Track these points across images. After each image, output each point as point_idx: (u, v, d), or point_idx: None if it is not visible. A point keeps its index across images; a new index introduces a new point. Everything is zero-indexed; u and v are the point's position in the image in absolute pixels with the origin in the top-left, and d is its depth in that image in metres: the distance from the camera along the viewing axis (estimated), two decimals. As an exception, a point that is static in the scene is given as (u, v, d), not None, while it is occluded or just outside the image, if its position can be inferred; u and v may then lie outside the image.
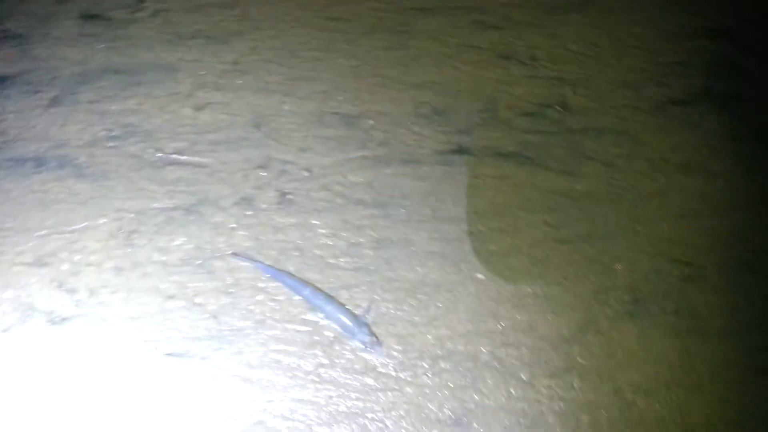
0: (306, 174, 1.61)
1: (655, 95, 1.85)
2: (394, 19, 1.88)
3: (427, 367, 1.40)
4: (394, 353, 1.40)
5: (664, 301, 1.53)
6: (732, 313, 1.53)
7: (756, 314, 1.53)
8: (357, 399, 1.34)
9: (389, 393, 1.36)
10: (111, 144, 1.58)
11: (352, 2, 1.91)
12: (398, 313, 1.46)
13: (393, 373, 1.38)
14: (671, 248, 1.60)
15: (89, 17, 1.79)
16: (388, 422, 1.32)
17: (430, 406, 1.36)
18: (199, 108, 1.68)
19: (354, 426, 1.32)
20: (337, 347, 1.39)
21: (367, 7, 1.90)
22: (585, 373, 1.43)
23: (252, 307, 1.42)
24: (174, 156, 1.60)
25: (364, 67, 1.80)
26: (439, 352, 1.42)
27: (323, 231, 1.54)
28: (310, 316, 1.42)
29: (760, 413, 1.42)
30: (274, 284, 1.44)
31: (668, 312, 1.52)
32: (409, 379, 1.38)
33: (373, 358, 1.37)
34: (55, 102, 1.63)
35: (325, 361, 1.37)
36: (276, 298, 1.44)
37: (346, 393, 1.35)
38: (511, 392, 1.40)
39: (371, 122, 1.71)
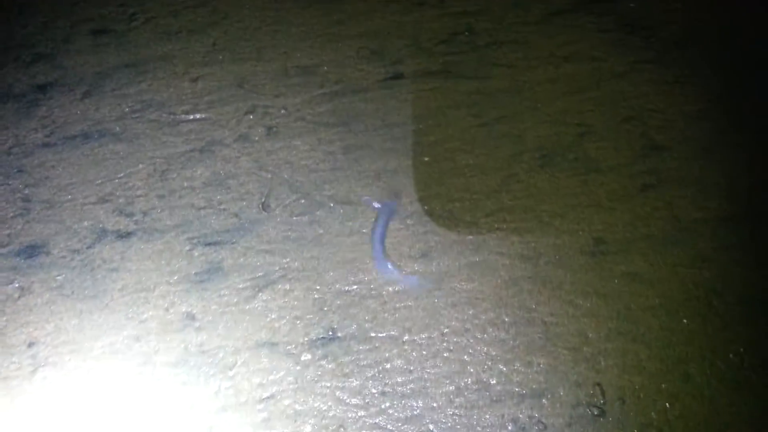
0: (283, 111, 2.13)
1: (541, 11, 2.38)
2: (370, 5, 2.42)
3: (400, 220, 1.90)
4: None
5: (565, 153, 2.05)
6: (617, 153, 2.04)
7: (635, 149, 2.04)
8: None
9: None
10: (135, 115, 2.10)
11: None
12: (369, 192, 1.96)
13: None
14: (566, 116, 2.12)
15: (98, 32, 2.32)
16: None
17: (405, 248, 1.87)
18: (194, 80, 2.20)
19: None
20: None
21: (307, -16, 2.45)
22: (512, 210, 1.94)
23: (252, 203, 1.93)
24: (183, 116, 2.11)
25: (312, 30, 2.33)
26: (407, 212, 1.92)
27: (305, 148, 2.05)
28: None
29: (645, 227, 1.92)
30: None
31: (569, 159, 2.03)
32: (390, 231, 1.88)
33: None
34: (86, 95, 2.15)
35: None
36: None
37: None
38: (459, 231, 1.90)
39: (325, 68, 2.23)
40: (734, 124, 2.06)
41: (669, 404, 1.62)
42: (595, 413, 1.62)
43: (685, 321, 1.74)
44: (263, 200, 1.94)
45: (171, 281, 1.81)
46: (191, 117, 2.12)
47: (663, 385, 1.65)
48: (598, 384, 1.66)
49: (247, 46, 2.30)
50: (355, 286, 1.80)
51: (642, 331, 1.72)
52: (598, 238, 1.88)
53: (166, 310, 1.76)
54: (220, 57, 2.27)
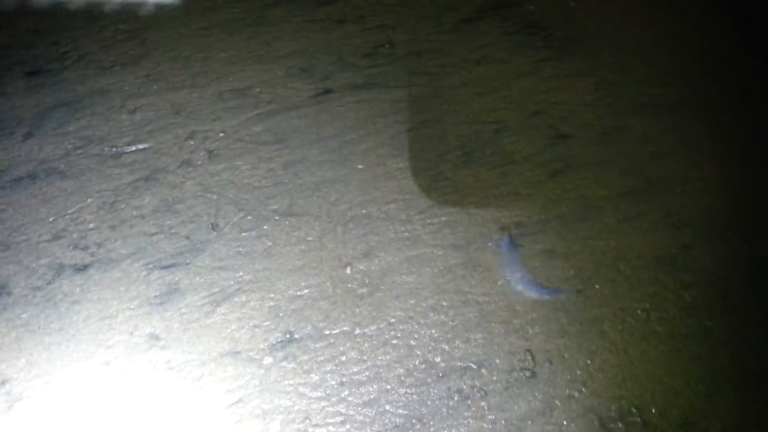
0: (222, 134, 2.26)
1: (452, 20, 2.60)
2: (251, 16, 2.57)
3: (342, 225, 2.08)
4: (323, 217, 2.08)
5: (484, 149, 2.27)
6: (529, 144, 2.28)
7: (544, 140, 2.29)
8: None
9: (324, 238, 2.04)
10: (79, 152, 2.18)
11: (216, 13, 2.58)
12: (310, 203, 2.13)
13: (319, 227, 2.06)
14: (482, 116, 2.35)
15: (32, 73, 2.38)
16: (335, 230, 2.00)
17: (348, 250, 2.05)
18: (132, 112, 2.30)
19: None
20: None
21: (229, 13, 2.58)
22: (442, 205, 2.14)
23: (201, 225, 2.07)
24: (125, 147, 2.21)
25: (241, 54, 2.47)
26: (347, 217, 2.10)
27: (246, 167, 2.19)
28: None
29: (557, 209, 2.17)
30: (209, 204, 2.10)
31: (488, 155, 2.26)
32: (335, 230, 2.06)
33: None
34: (28, 136, 2.22)
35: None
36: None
37: (290, 259, 2.02)
38: (398, 229, 2.09)
39: (258, 89, 2.38)
40: (626, 110, 2.34)
41: (589, 360, 1.87)
42: (528, 376, 1.85)
43: (597, 286, 1.99)
44: (212, 221, 2.07)
45: (132, 306, 1.92)
46: (133, 148, 2.22)
47: (583, 344, 1.90)
48: (529, 350, 1.89)
49: (181, 75, 2.41)
50: (306, 291, 1.96)
51: (562, 299, 1.97)
52: (518, 223, 2.11)
53: (131, 333, 1.88)
54: (155, 87, 2.37)
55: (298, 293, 1.96)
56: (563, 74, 2.43)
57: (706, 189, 2.16)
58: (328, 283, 1.98)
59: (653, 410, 1.79)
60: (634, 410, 1.79)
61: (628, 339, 1.91)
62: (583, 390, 1.82)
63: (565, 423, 1.77)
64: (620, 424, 1.77)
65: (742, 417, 1.77)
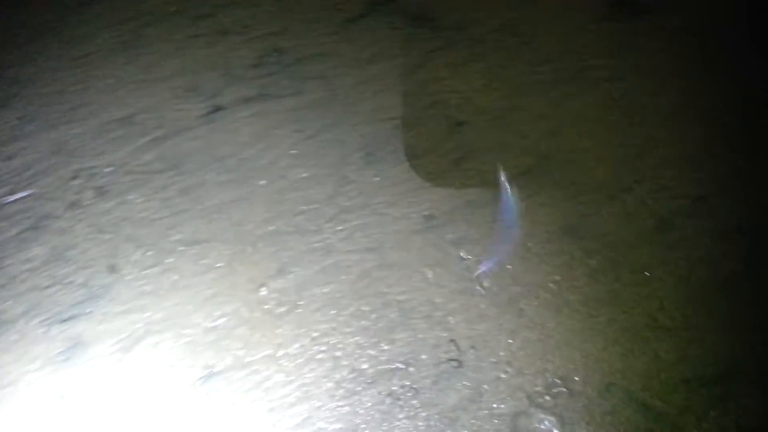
0: (109, 169, 2.14)
1: (338, 20, 2.57)
2: (128, 38, 2.43)
3: (251, 245, 2.02)
4: (229, 240, 2.01)
5: (386, 147, 2.27)
6: (428, 137, 2.30)
7: (443, 130, 2.31)
8: (209, 290, 1.94)
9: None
10: (-50, 211, 2.01)
11: (89, 40, 2.43)
12: (214, 228, 2.05)
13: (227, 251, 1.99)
14: (380, 113, 2.34)
15: None
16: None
17: (259, 271, 1.99)
18: (8, 158, 2.13)
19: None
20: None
21: (102, 38, 2.43)
22: (350, 209, 2.12)
23: (98, 269, 1.95)
24: (5, 198, 2.05)
25: (121, 80, 2.34)
26: (255, 236, 2.04)
27: (140, 200, 2.09)
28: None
29: (464, 196, 2.20)
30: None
31: (390, 152, 2.26)
32: (244, 252, 2.00)
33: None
34: None
35: (178, 278, 1.95)
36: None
37: (200, 289, 1.94)
38: (310, 240, 2.06)
39: (143, 116, 2.26)
40: (517, 91, 2.40)
41: (511, 340, 1.92)
42: (455, 365, 1.87)
43: (510, 266, 2.04)
44: (109, 263, 1.96)
45: (34, 368, 1.79)
46: (15, 197, 2.06)
47: (503, 325, 1.94)
48: (453, 340, 1.91)
49: (57, 111, 2.26)
50: (221, 320, 1.90)
51: (477, 284, 2.00)
52: (427, 215, 2.13)
53: (37, 398, 1.75)
54: (31, 128, 2.21)
55: (214, 324, 1.89)
56: (454, 63, 2.46)
57: (599, 157, 2.25)
58: (243, 309, 1.92)
59: (576, 378, 1.86)
60: (558, 381, 1.85)
61: (544, 313, 1.97)
62: (509, 370, 1.86)
63: (495, 405, 1.80)
64: (547, 397, 1.82)
65: (656, 370, 1.87)
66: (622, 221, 2.12)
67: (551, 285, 2.01)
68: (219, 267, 1.99)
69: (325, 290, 1.97)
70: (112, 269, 1.95)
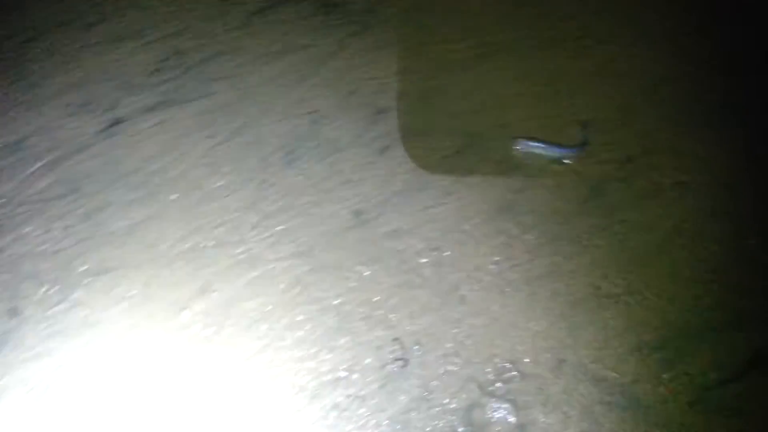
0: (2, 201, 1.92)
1: (241, 14, 2.41)
2: (11, 55, 2.21)
3: (167, 267, 1.85)
4: (143, 264, 1.83)
5: (306, 143, 2.13)
6: (351, 128, 2.18)
7: (366, 118, 2.20)
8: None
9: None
10: None
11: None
12: (125, 252, 1.88)
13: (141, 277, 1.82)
14: (297, 108, 2.20)
15: None
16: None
17: (177, 294, 1.83)
18: None
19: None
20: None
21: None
22: (274, 215, 1.99)
23: (4, 313, 1.75)
24: None
25: (5, 103, 2.11)
26: (171, 256, 1.87)
27: (38, 232, 1.88)
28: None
29: (393, 186, 2.10)
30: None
31: (312, 148, 2.12)
32: (160, 274, 1.83)
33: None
34: None
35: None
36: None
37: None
38: (232, 252, 1.91)
39: (34, 138, 2.05)
40: (438, 71, 2.31)
41: (456, 329, 1.83)
42: (401, 365, 1.77)
43: (447, 253, 1.95)
44: (9, 306, 1.75)
45: (-70, 435, 1.58)
46: None
47: (447, 315, 1.85)
48: (396, 339, 1.81)
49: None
50: (142, 353, 1.73)
51: (416, 278, 1.90)
52: (357, 211, 2.01)
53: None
54: None
55: (133, 359, 1.72)
56: (370, 47, 2.35)
57: (526, 129, 2.19)
58: (165, 337, 1.75)
59: (526, 360, 1.79)
60: (509, 365, 1.78)
61: (488, 296, 1.89)
62: (457, 361, 1.78)
63: (446, 401, 1.71)
64: (499, 384, 1.75)
65: (605, 340, 1.82)
66: (555, 192, 2.06)
67: (492, 267, 1.94)
68: (133, 295, 1.82)
69: (254, 305, 1.83)
70: (14, 312, 1.75)
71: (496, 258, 1.95)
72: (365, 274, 1.90)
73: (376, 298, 1.86)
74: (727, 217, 2.01)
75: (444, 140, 2.15)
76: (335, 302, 1.85)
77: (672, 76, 2.32)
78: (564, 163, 2.12)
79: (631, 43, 2.38)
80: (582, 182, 2.08)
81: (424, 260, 1.93)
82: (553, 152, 2.13)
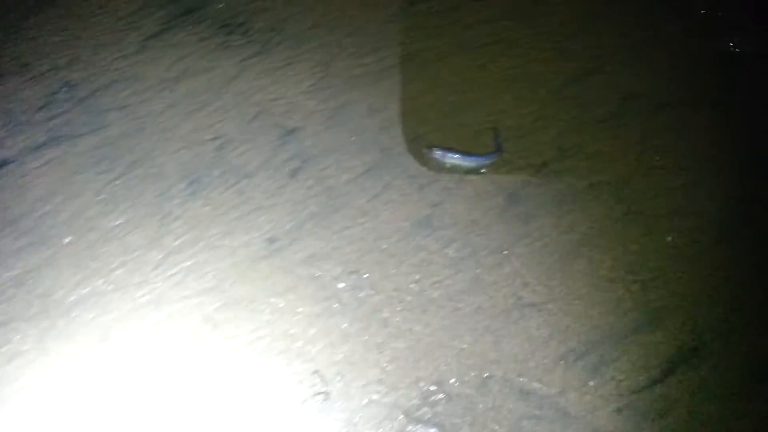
0: None
1: (136, 40, 2.29)
2: None
3: (62, 317, 1.70)
4: (34, 316, 1.67)
5: (211, 171, 2.02)
6: (258, 151, 2.08)
7: (273, 141, 2.11)
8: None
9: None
10: None
11: None
12: (14, 305, 1.71)
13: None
14: (199, 135, 2.09)
15: None
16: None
17: (81, 343, 1.68)
18: None
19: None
20: None
21: None
22: (180, 249, 1.86)
23: None
24: None
25: None
26: (66, 305, 1.72)
27: None
28: None
29: (307, 209, 2.01)
30: None
31: (217, 176, 2.02)
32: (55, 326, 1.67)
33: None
34: None
35: None
36: None
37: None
38: (135, 295, 1.77)
39: None
40: (346, 87, 2.24)
41: (379, 354, 1.76)
42: (322, 399, 1.68)
43: (366, 275, 1.88)
44: None
45: None
46: None
47: (369, 341, 1.77)
48: (316, 371, 1.72)
49: None
50: (37, 416, 1.57)
51: (335, 304, 1.82)
52: (270, 238, 1.91)
53: None
54: None
55: (28, 423, 1.56)
56: (273, 67, 2.26)
57: (439, 140, 2.14)
58: (63, 395, 1.60)
59: (452, 380, 1.73)
60: (434, 388, 1.71)
61: (410, 317, 1.82)
62: (381, 389, 1.70)
63: (372, 433, 1.64)
64: (425, 408, 1.68)
65: (531, 351, 1.78)
66: (473, 203, 2.03)
67: (413, 286, 1.87)
68: (26, 351, 1.66)
69: (159, 351, 1.70)
70: None
71: (417, 276, 1.89)
72: (280, 305, 1.80)
73: (293, 330, 1.77)
74: (642, 216, 2.02)
75: (356, 157, 2.08)
76: (249, 339, 1.74)
77: (580, 75, 2.34)
78: (481, 172, 2.09)
79: (541, 47, 2.39)
80: (499, 191, 2.06)
81: (343, 285, 1.85)
82: (469, 162, 2.09)
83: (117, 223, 1.89)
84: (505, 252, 1.94)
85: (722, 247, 1.95)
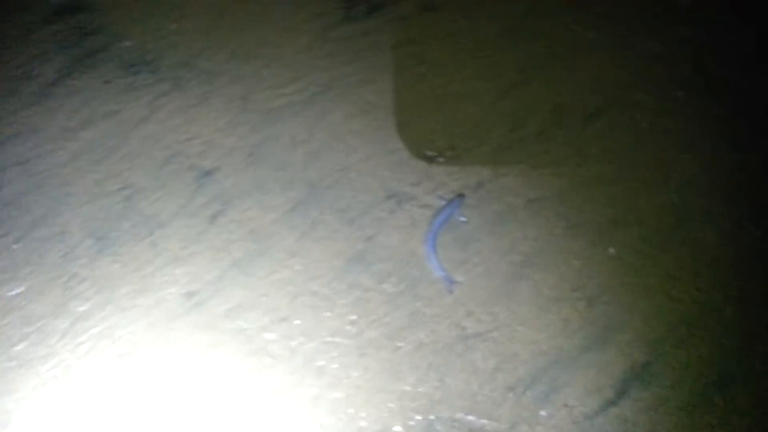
0: None
1: (32, 88, 2.11)
2: None
3: None
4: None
5: (120, 226, 1.86)
6: (172, 198, 1.93)
7: (190, 184, 1.96)
8: None
9: None
10: None
11: None
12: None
13: None
14: (105, 186, 1.93)
15: None
16: None
17: None
18: None
19: None
20: None
21: None
22: (88, 316, 1.69)
23: None
24: None
25: None
26: None
27: None
28: None
29: (229, 255, 1.87)
30: None
31: (127, 230, 1.85)
32: None
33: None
34: None
35: None
36: None
37: None
38: (32, 384, 1.58)
39: None
40: (266, 120, 2.12)
41: (314, 408, 1.62)
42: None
43: (297, 321, 1.74)
44: None
45: None
46: None
47: (302, 394, 1.63)
48: (247, 436, 1.57)
49: None
50: None
51: (265, 357, 1.67)
52: (188, 293, 1.76)
53: None
54: None
55: None
56: (186, 105, 2.12)
57: (371, 169, 2.04)
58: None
59: (396, 428, 1.61)
60: (378, 437, 1.59)
61: (347, 362, 1.69)
62: (319, 448, 1.56)
63: (312, 499, 1.49)
64: (369, 462, 1.55)
65: (478, 385, 1.68)
66: (409, 233, 1.92)
67: (348, 328, 1.75)
68: None
69: (67, 430, 1.52)
70: None
71: (353, 317, 1.76)
72: (203, 365, 1.65)
73: (218, 392, 1.61)
74: (582, 230, 1.95)
75: (281, 195, 1.96)
76: (170, 407, 1.58)
77: (509, 89, 2.28)
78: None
79: (468, 64, 2.32)
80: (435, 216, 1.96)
81: (272, 336, 1.71)
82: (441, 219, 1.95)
83: (16, 292, 1.71)
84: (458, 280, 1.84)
85: (667, 256, 1.90)
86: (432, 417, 1.62)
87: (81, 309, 1.70)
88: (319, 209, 1.94)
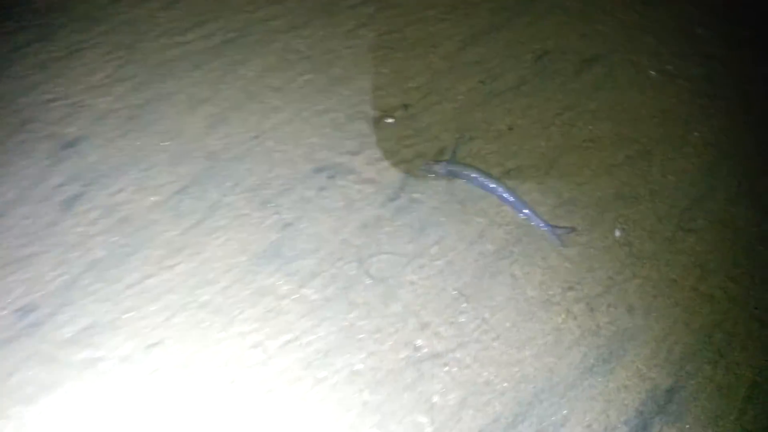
0: None
1: None
2: None
3: None
4: None
5: None
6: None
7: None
8: None
9: None
10: None
11: None
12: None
13: None
14: None
15: None
16: None
17: None
18: None
19: None
20: None
21: None
22: None
23: None
24: None
25: None
26: None
27: None
28: None
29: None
30: None
31: None
32: None
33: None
34: None
35: None
36: None
37: None
38: None
39: None
40: (156, 73, 1.59)
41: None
42: None
43: (174, 347, 1.22)
44: None
45: None
46: None
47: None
48: None
49: None
50: None
51: (123, 396, 1.15)
52: (23, 308, 1.24)
53: None
54: None
55: None
56: (53, 57, 1.59)
57: (290, 135, 1.52)
58: None
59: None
60: None
61: (246, 405, 1.17)
62: None
63: None
64: None
65: (421, 429, 1.16)
66: (338, 216, 1.40)
67: (251, 353, 1.23)
68: None
69: None
70: None
71: (258, 337, 1.24)
72: (43, 410, 1.13)
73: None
74: (577, 207, 1.47)
75: (168, 171, 1.44)
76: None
77: (482, 33, 1.77)
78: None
79: (423, 3, 1.81)
80: (379, 193, 1.45)
81: (137, 368, 1.19)
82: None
83: None
84: (391, 283, 1.32)
85: (690, 239, 1.40)
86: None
87: None
88: (221, 189, 1.42)
